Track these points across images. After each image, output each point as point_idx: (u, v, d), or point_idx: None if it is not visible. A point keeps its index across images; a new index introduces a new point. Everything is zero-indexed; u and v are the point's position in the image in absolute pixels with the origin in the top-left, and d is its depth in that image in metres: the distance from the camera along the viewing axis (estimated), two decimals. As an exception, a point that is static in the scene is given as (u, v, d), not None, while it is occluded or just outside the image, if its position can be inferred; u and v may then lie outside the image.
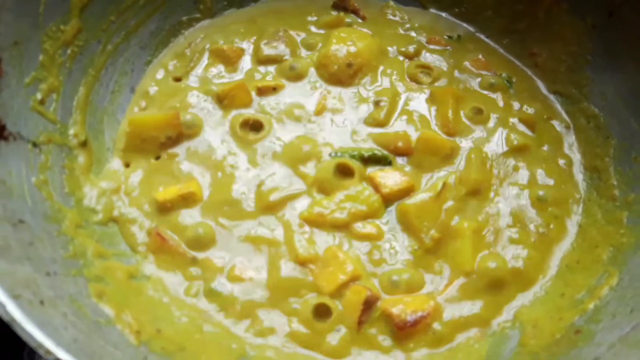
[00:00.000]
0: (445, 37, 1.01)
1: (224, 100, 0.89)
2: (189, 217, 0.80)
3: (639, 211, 0.78)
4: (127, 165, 0.85)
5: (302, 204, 0.81)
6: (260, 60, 0.95)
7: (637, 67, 0.85)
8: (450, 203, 0.80)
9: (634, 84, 0.85)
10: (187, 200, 0.80)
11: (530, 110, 0.92)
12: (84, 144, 0.83)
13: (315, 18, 1.01)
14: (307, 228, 0.79)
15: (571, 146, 0.90)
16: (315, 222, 0.79)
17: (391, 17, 1.04)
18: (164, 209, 0.80)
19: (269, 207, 0.80)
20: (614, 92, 0.88)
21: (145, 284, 0.74)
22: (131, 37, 0.92)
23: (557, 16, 0.94)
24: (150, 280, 0.75)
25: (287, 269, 0.76)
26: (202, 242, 0.78)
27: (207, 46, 0.96)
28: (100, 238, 0.77)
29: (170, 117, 0.85)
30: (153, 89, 0.92)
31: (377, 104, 0.91)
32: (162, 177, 0.83)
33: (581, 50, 0.92)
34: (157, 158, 0.85)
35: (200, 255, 0.77)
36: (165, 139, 0.85)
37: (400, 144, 0.86)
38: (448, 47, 0.99)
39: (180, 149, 0.85)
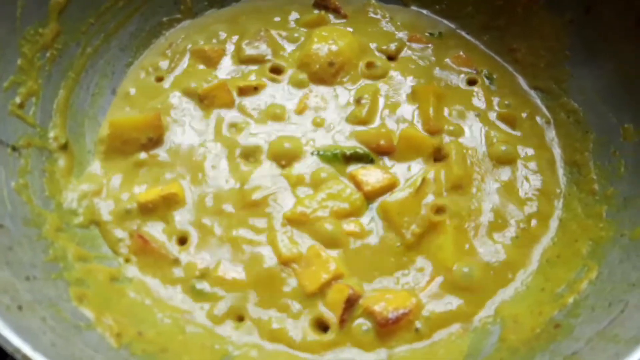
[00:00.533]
0: (426, 34, 1.01)
1: (204, 100, 0.89)
2: (171, 218, 0.79)
3: (618, 205, 0.79)
4: (108, 166, 0.84)
5: (284, 203, 0.81)
6: (242, 60, 0.95)
7: (614, 61, 0.86)
8: (431, 198, 0.81)
9: (612, 79, 0.86)
10: (169, 201, 0.80)
11: (511, 106, 0.93)
12: (64, 147, 0.82)
13: (296, 17, 1.01)
14: (289, 227, 0.79)
15: (552, 141, 0.90)
16: (298, 221, 0.79)
17: (372, 14, 1.04)
18: (146, 210, 0.79)
19: (252, 206, 0.80)
20: (592, 86, 0.88)
21: (127, 286, 0.74)
22: (111, 39, 0.92)
23: (536, 12, 0.94)
24: (132, 282, 0.75)
25: (270, 268, 0.76)
26: (185, 243, 0.78)
27: (188, 47, 0.96)
28: (82, 241, 0.76)
29: (151, 118, 0.85)
30: (134, 91, 0.92)
31: (358, 101, 0.91)
32: (144, 178, 0.82)
33: (560, 45, 0.92)
34: (139, 159, 0.84)
35: (182, 256, 0.77)
36: (146, 140, 0.84)
37: (382, 141, 0.86)
38: (429, 45, 0.99)
39: (161, 150, 0.85)
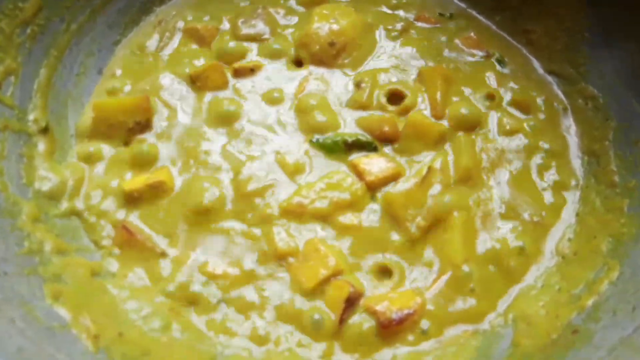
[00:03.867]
0: (437, 14, 0.95)
1: (197, 81, 0.85)
2: (159, 208, 0.75)
3: (640, 198, 0.74)
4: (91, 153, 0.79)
5: (281, 194, 0.76)
6: (238, 39, 0.90)
7: (635, 43, 0.80)
8: (437, 189, 0.76)
9: (634, 62, 0.80)
10: (157, 189, 0.75)
11: (524, 91, 0.87)
12: (44, 131, 0.78)
13: (296, -6, 0.96)
14: (286, 219, 0.74)
15: (568, 129, 0.85)
16: (294, 212, 0.74)
17: (378, -8, 0.98)
18: (132, 199, 0.75)
19: (246, 197, 0.76)
20: (613, 70, 0.83)
21: (108, 281, 0.70)
22: (98, 15, 0.87)
23: (550, -13, 0.88)
24: (115, 277, 0.70)
25: (265, 263, 0.71)
26: (173, 236, 0.73)
27: (180, 25, 0.91)
28: (61, 232, 0.72)
29: (139, 100, 0.80)
30: (121, 71, 0.87)
31: (358, 85, 0.86)
32: (131, 165, 0.78)
33: (577, 26, 0.87)
34: (126, 145, 0.80)
35: (170, 250, 0.73)
36: (133, 125, 0.80)
37: (386, 128, 0.81)
38: (437, 25, 0.94)
39: (150, 135, 0.81)
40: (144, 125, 0.80)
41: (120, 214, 0.74)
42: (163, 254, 0.72)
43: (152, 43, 0.89)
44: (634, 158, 0.77)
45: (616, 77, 0.82)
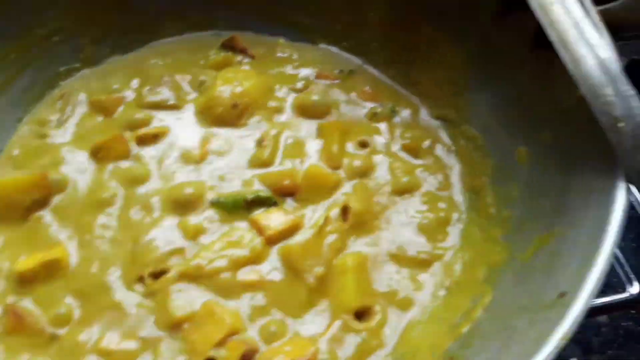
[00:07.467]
0: (336, 71, 1.00)
1: (98, 153, 0.85)
2: (53, 288, 0.73)
3: (511, 228, 0.78)
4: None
5: (180, 257, 0.76)
6: (142, 107, 0.92)
7: (509, 87, 0.85)
8: (333, 237, 0.78)
9: (507, 103, 0.85)
10: (51, 268, 0.73)
11: (414, 137, 0.92)
12: None
13: (203, 60, 0.99)
14: (184, 283, 0.74)
15: (452, 168, 0.89)
16: (192, 275, 0.74)
17: (281, 54, 1.03)
18: (25, 280, 0.72)
19: (144, 265, 0.75)
20: (489, 112, 0.88)
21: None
22: (-1, 95, 0.87)
23: (437, 44, 0.94)
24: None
25: (159, 332, 0.70)
26: (64, 317, 0.71)
27: (83, 97, 0.92)
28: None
29: (36, 178, 0.79)
30: (22, 148, 0.87)
31: (259, 143, 0.88)
32: (27, 244, 0.76)
33: (461, 75, 0.93)
34: (22, 224, 0.78)
35: (61, 330, 0.70)
36: (31, 202, 0.79)
37: (286, 182, 0.84)
38: (337, 81, 0.99)
39: (47, 212, 0.79)
40: (42, 202, 0.79)
41: (11, 298, 0.72)
42: (53, 337, 0.69)
43: (54, 118, 0.90)
44: (506, 191, 0.82)
45: (492, 118, 0.88)
